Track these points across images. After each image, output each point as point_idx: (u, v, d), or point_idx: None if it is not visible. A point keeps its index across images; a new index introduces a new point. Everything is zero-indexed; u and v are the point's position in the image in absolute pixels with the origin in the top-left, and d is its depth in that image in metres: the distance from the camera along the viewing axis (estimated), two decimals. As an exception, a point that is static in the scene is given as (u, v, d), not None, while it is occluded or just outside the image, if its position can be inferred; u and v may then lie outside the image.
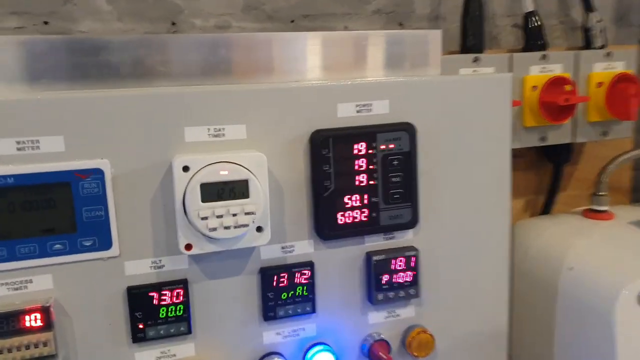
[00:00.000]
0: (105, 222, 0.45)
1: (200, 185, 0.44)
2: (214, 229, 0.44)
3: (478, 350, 0.60)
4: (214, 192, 0.44)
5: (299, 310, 0.52)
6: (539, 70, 0.77)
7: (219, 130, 0.47)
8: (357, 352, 0.55)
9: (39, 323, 0.44)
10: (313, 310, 0.52)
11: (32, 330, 0.44)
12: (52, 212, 0.44)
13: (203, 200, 0.44)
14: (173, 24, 0.68)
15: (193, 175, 0.44)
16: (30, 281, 0.45)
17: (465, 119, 0.55)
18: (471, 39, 0.76)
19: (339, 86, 0.51)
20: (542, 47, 0.79)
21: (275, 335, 0.52)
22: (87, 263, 0.46)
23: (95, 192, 0.45)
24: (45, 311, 0.44)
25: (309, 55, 0.55)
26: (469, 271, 0.58)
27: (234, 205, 0.44)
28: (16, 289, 0.44)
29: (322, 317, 0.54)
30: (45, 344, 0.44)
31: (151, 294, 0.47)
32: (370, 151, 0.51)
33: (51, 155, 0.44)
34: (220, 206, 0.44)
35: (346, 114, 0.51)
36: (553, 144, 0.81)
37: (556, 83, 0.75)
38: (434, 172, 0.55)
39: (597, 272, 0.63)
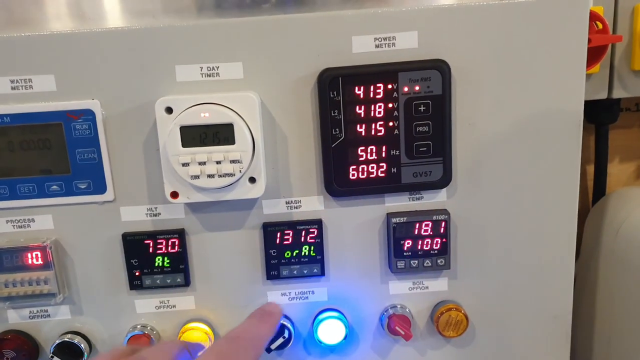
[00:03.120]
0: (98, 164, 0.44)
1: (180, 128, 0.40)
2: (196, 177, 0.40)
3: (528, 338, 0.50)
4: (196, 136, 0.40)
5: (305, 272, 0.47)
6: (659, -3, 0.60)
7: (213, 69, 0.43)
8: (375, 323, 0.49)
9: (39, 261, 0.45)
10: (322, 273, 0.47)
11: (33, 267, 0.45)
12: (48, 152, 0.44)
13: (184, 145, 0.40)
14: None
15: (176, 118, 0.40)
16: (33, 220, 0.45)
17: (521, 57, 0.44)
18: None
19: (354, 15, 0.43)
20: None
21: (281, 296, 0.48)
22: (84, 206, 0.45)
23: (87, 134, 0.43)
24: (43, 250, 0.44)
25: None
26: (521, 245, 0.48)
27: (217, 151, 0.40)
28: (20, 226, 0.45)
29: (333, 281, 0.48)
30: (45, 282, 0.45)
31: (147, 242, 0.45)
32: (390, 94, 0.43)
33: (44, 94, 0.43)
34: (201, 152, 0.40)
35: (363, 49, 0.43)
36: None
37: (681, 12, 0.58)
38: (477, 122, 0.45)
39: None
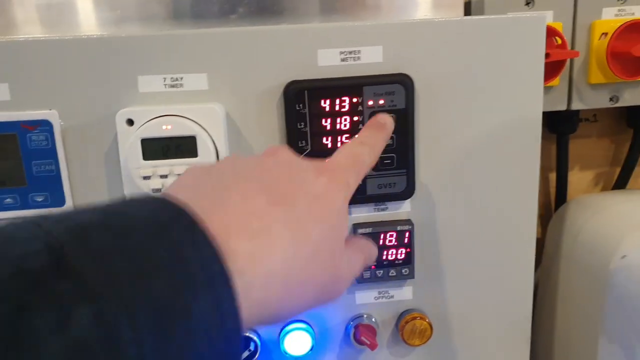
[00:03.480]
0: (56, 177, 0.43)
1: (141, 140, 0.39)
2: (158, 190, 0.40)
3: (489, 344, 0.51)
4: (158, 149, 0.39)
5: (270, 284, 0.47)
6: (615, 14, 0.62)
7: (177, 80, 0.42)
8: (341, 333, 0.50)
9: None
10: (287, 285, 0.47)
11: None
12: (1, 164, 0.42)
13: (145, 158, 0.39)
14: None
15: (137, 130, 0.40)
16: (-13, 234, 0.44)
17: (482, 72, 0.45)
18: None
19: (320, 29, 0.43)
20: (624, -17, 0.63)
21: (246, 308, 0.48)
22: (41, 219, 0.44)
23: (44, 145, 0.42)
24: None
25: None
26: (482, 254, 0.49)
27: (179, 164, 0.39)
28: (-27, 240, 0.44)
29: (299, 293, 0.48)
30: None
31: (108, 255, 0.44)
32: (355, 107, 0.44)
33: (-3, 104, 0.41)
34: (163, 165, 0.39)
35: (329, 63, 0.43)
36: (632, 106, 0.66)
37: (634, 29, 0.60)
38: (440, 135, 0.46)
39: (656, 266, 0.50)
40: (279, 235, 0.25)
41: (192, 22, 0.49)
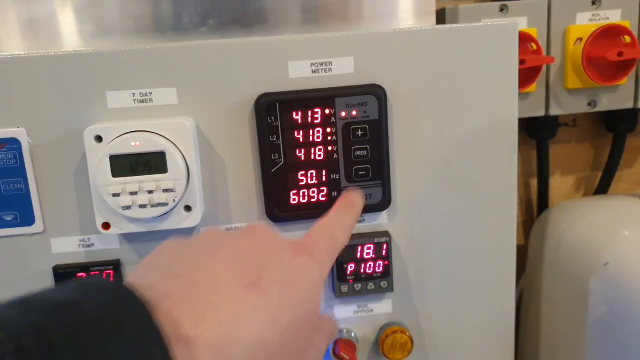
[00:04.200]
0: (25, 195, 0.42)
1: (109, 157, 0.39)
2: (128, 207, 0.39)
3: (472, 355, 0.51)
4: (126, 165, 0.39)
5: (247, 300, 0.46)
6: (589, 19, 0.62)
7: (146, 95, 0.42)
8: (321, 348, 0.49)
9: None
10: (265, 300, 0.46)
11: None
12: (-31, 184, 0.41)
13: (114, 175, 0.39)
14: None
15: (106, 147, 0.39)
16: (-46, 256, 0.43)
17: (456, 80, 0.45)
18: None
19: (290, 41, 0.43)
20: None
21: (224, 325, 0.47)
22: (11, 239, 0.43)
23: (12, 164, 0.41)
24: (-35, 288, 0.42)
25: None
26: (462, 265, 0.49)
27: (148, 181, 0.39)
28: (-60, 263, 0.43)
29: (277, 308, 0.47)
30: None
31: (79, 274, 0.44)
32: (327, 119, 0.43)
33: (-36, 123, 0.41)
34: (132, 182, 0.39)
35: (300, 75, 0.43)
36: (611, 110, 0.66)
37: (609, 34, 0.60)
38: (415, 145, 0.46)
39: (636, 271, 0.50)
40: (249, 321, 0.25)
41: (162, 36, 0.48)
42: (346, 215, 0.36)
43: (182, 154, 0.40)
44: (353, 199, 0.37)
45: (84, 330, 0.20)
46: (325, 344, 0.32)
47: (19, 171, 0.42)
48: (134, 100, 0.42)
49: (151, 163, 0.39)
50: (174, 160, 0.39)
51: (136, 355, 0.20)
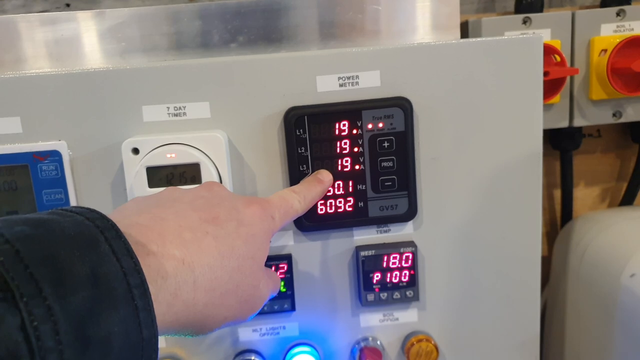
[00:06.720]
0: (65, 205, 0.44)
1: (146, 169, 0.40)
2: (163, 217, 0.41)
3: (498, 366, 0.51)
4: (162, 176, 0.40)
5: (275, 307, 0.47)
6: (613, 30, 0.63)
7: (180, 108, 0.43)
8: (347, 356, 0.50)
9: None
10: (292, 308, 0.47)
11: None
12: (14, 194, 0.43)
13: (150, 186, 0.40)
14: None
15: (142, 159, 0.41)
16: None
17: (480, 93, 0.45)
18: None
19: (318, 55, 0.44)
20: (623, 1, 0.64)
21: (252, 332, 0.48)
22: (51, 247, 0.45)
23: (54, 175, 0.43)
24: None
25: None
26: (487, 274, 0.49)
27: (183, 191, 0.40)
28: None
29: (304, 316, 0.48)
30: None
31: (115, 281, 0.45)
32: (354, 131, 0.44)
33: (9, 137, 0.43)
34: (168, 192, 0.40)
35: (327, 88, 0.44)
36: (637, 121, 0.66)
37: (634, 45, 0.60)
38: (440, 156, 0.46)
39: (664, 283, 0.50)
40: (208, 245, 0.29)
41: (194, 52, 0.50)
42: (309, 188, 0.41)
43: (215, 165, 0.41)
44: (322, 176, 0.43)
45: (63, 241, 0.22)
46: (267, 293, 0.35)
47: (60, 182, 0.43)
48: (169, 114, 0.43)
49: (186, 174, 0.40)
50: (207, 171, 0.41)
51: (109, 264, 0.23)
